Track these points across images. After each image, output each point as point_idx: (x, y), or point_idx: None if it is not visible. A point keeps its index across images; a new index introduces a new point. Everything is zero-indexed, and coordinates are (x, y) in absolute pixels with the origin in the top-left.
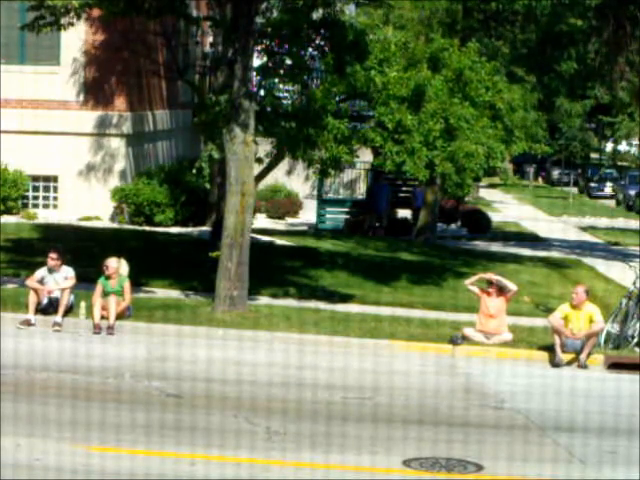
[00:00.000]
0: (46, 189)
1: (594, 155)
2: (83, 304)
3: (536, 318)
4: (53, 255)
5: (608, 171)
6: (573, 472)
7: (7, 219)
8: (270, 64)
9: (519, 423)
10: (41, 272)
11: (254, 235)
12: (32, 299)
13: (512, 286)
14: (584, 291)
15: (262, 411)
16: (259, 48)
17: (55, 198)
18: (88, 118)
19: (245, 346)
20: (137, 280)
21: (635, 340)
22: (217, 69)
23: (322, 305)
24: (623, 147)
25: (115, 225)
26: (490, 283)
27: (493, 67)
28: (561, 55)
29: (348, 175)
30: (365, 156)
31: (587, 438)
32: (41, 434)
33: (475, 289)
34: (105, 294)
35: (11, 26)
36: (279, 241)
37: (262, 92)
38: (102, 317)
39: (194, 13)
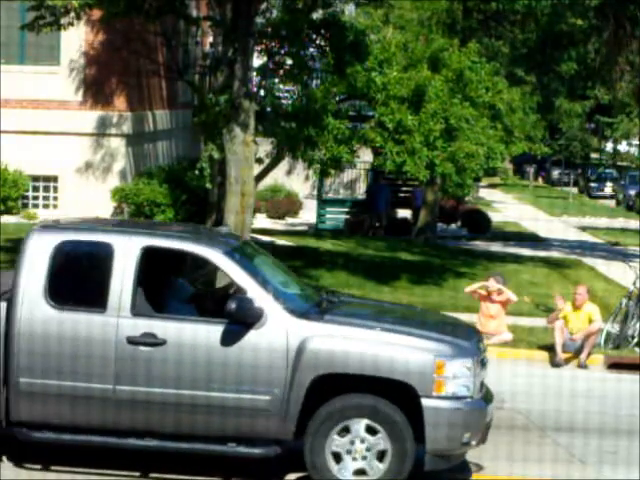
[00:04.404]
0: (46, 189)
1: (594, 155)
2: None
3: (536, 318)
4: None
5: (608, 171)
6: (573, 472)
7: (7, 219)
8: (270, 64)
9: (519, 423)
10: None
11: (254, 235)
12: None
13: (513, 297)
14: (586, 291)
15: None
16: (259, 48)
17: (55, 198)
18: (88, 118)
19: None
20: None
21: (635, 340)
22: (217, 69)
23: None
24: (623, 147)
25: None
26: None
27: (493, 67)
28: (561, 55)
29: (348, 175)
30: (365, 156)
31: (587, 438)
32: None
33: (475, 295)
34: None
35: (11, 26)
36: (279, 241)
37: (262, 92)
38: None
39: (194, 13)
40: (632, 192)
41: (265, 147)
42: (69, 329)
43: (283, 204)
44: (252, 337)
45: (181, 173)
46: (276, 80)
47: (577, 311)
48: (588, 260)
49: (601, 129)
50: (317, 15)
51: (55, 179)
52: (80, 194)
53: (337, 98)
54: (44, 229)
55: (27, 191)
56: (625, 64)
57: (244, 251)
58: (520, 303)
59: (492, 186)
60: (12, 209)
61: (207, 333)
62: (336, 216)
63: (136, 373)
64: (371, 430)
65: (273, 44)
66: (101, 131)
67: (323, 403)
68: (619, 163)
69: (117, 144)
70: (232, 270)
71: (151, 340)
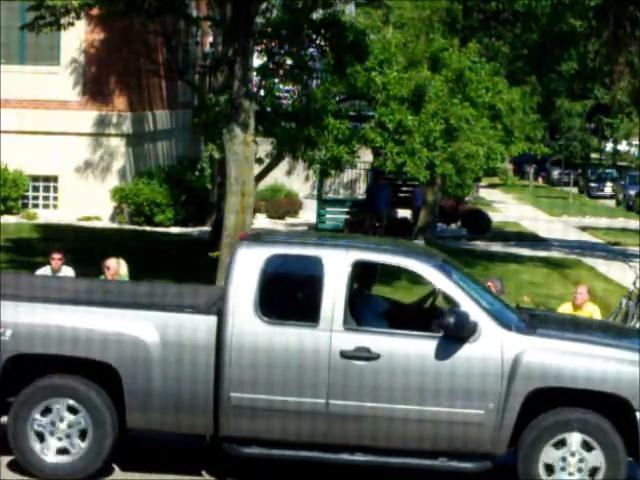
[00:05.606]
0: (46, 189)
1: (594, 155)
2: None
3: None
4: (56, 255)
5: (608, 171)
6: None
7: (7, 219)
8: (270, 64)
9: None
10: (42, 272)
11: None
12: None
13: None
14: (587, 290)
15: None
16: (259, 48)
17: (55, 198)
18: (88, 118)
19: None
20: (137, 280)
21: None
22: (217, 69)
23: None
24: (623, 147)
25: (115, 225)
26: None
27: (493, 67)
28: (561, 55)
29: (348, 175)
30: (365, 156)
31: None
32: None
33: None
34: None
35: (11, 26)
36: None
37: (262, 92)
38: None
39: (194, 13)
40: (632, 192)
41: (265, 147)
42: (281, 343)
43: (283, 204)
44: (467, 351)
45: (181, 173)
46: (276, 80)
47: (578, 311)
48: (588, 260)
49: (601, 129)
50: (317, 15)
51: (55, 179)
52: (80, 194)
53: (337, 98)
54: (253, 243)
55: (27, 191)
56: (625, 64)
57: (449, 265)
58: (520, 303)
59: (492, 186)
60: (12, 209)
61: (420, 347)
62: (336, 216)
63: (349, 387)
64: (586, 445)
65: (273, 44)
66: (101, 131)
67: (534, 417)
68: (619, 163)
69: (117, 144)
70: (444, 284)
71: (365, 354)
